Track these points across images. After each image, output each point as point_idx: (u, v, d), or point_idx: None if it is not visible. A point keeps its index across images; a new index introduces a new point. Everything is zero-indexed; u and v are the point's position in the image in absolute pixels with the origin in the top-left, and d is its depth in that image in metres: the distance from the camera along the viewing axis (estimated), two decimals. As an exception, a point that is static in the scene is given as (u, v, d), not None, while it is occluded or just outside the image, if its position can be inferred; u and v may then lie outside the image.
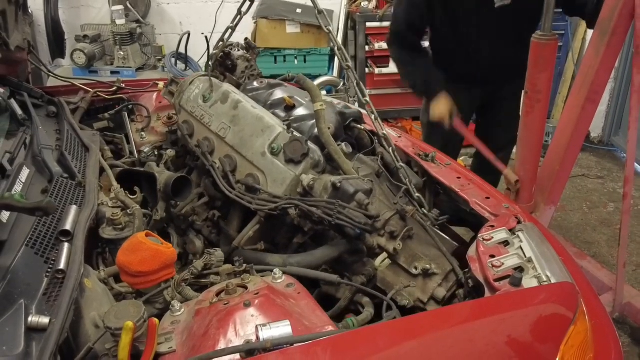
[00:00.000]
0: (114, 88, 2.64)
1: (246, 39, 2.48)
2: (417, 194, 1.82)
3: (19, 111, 2.01)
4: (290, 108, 2.04)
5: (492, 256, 1.43)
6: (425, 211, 1.80)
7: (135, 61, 5.28)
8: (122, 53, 5.19)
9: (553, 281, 1.33)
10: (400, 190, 1.82)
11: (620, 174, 4.83)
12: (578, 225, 4.10)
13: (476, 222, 1.68)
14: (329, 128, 1.82)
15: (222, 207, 2.00)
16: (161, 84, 2.69)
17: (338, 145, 1.81)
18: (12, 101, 2.06)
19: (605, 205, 4.39)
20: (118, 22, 5.24)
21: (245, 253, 1.73)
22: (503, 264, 1.40)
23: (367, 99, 1.88)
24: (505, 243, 1.50)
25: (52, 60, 5.20)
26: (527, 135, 2.79)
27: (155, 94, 2.66)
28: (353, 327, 1.33)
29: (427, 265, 1.59)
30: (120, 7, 5.31)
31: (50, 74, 2.89)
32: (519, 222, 1.59)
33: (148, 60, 5.53)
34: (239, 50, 2.43)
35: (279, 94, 2.13)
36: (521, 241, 1.50)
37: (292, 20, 5.18)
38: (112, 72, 5.14)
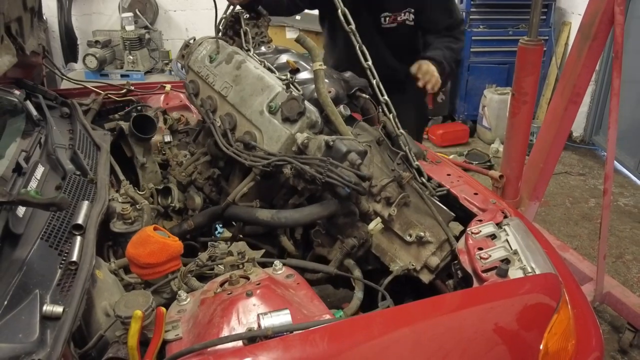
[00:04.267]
0: (124, 90, 2.63)
1: (258, 6, 2.34)
2: (416, 162, 1.74)
3: (34, 112, 2.00)
4: (294, 72, 1.97)
5: (480, 249, 1.43)
6: (424, 180, 1.73)
7: (144, 65, 5.29)
8: (131, 57, 5.19)
9: (537, 272, 1.33)
10: (398, 157, 1.74)
11: (600, 172, 4.84)
12: (561, 219, 4.11)
13: (465, 217, 1.67)
14: (329, 92, 1.75)
15: (225, 167, 1.95)
16: (168, 87, 2.68)
17: (337, 108, 1.74)
18: (28, 103, 2.05)
19: (586, 200, 4.40)
20: (128, 28, 5.24)
21: (237, 208, 1.70)
22: (490, 256, 1.39)
23: (370, 63, 1.78)
24: (493, 236, 1.50)
25: (65, 64, 5.22)
26: (513, 135, 2.79)
27: (162, 96, 2.65)
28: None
29: (421, 233, 1.54)
30: (130, 14, 5.32)
31: (64, 77, 2.87)
32: (505, 217, 1.59)
33: (156, 64, 5.54)
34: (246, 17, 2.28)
35: (285, 58, 2.05)
36: (507, 234, 1.49)
37: (291, 27, 5.18)
38: (122, 75, 5.16)
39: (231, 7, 2.10)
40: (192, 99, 2.00)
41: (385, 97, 1.79)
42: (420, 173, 1.74)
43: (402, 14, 2.68)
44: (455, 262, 1.48)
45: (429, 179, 1.77)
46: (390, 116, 1.77)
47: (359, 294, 1.49)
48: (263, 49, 2.15)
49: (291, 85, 1.76)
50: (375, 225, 1.55)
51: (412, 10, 2.67)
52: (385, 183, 1.62)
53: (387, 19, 2.66)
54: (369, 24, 2.64)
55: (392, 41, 2.74)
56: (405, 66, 2.83)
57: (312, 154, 1.60)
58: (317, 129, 1.71)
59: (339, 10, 1.77)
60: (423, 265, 1.55)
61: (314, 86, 1.77)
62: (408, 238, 1.57)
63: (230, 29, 2.17)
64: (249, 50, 2.00)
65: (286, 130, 1.66)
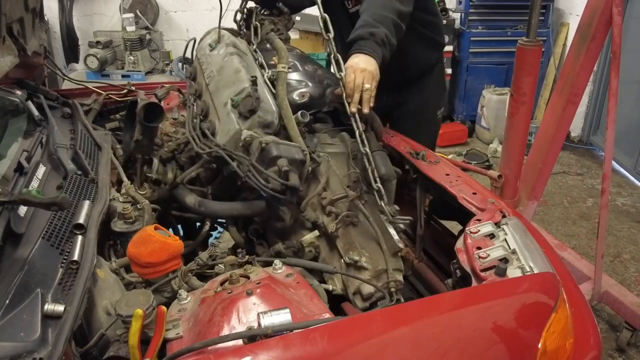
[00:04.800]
0: (125, 91, 2.62)
1: (279, 2, 2.24)
2: (377, 184, 1.62)
3: (35, 112, 2.00)
4: None
5: (479, 248, 1.43)
6: (382, 204, 1.61)
7: (145, 65, 5.28)
8: (132, 58, 5.19)
9: (536, 271, 1.33)
10: (358, 175, 1.66)
11: (598, 171, 4.84)
12: (559, 219, 4.11)
13: (464, 216, 1.67)
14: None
15: None
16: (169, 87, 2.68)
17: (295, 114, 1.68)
18: (29, 103, 2.05)
19: (584, 200, 4.40)
20: (128, 28, 5.24)
21: (179, 190, 1.74)
22: (489, 255, 1.39)
23: (343, 74, 1.69)
24: (491, 236, 1.49)
25: (66, 64, 5.21)
26: (512, 135, 2.79)
27: (163, 96, 2.65)
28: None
29: (356, 257, 1.51)
30: (131, 14, 5.31)
31: (65, 78, 2.88)
32: (503, 216, 1.59)
33: (156, 65, 5.53)
34: (264, 12, 2.26)
35: None
36: (506, 234, 1.49)
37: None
38: (123, 76, 5.15)
39: (245, 2, 2.12)
40: (188, 82, 2.05)
41: (353, 109, 1.67)
42: (380, 196, 1.63)
43: None
44: (454, 261, 1.48)
45: (422, 207, 1.73)
46: (357, 132, 1.67)
47: (314, 282, 1.46)
48: (268, 45, 2.14)
49: (263, 84, 1.74)
50: (309, 236, 1.53)
51: None
52: (336, 198, 1.58)
53: (350, 2, 2.40)
54: (338, 10, 2.40)
55: None
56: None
57: (253, 153, 1.58)
58: (272, 129, 1.67)
59: (320, 17, 1.73)
60: (356, 290, 1.51)
61: (301, 89, 1.77)
62: (346, 259, 1.53)
63: (245, 22, 2.20)
64: (252, 44, 2.01)
65: (236, 125, 1.66)
